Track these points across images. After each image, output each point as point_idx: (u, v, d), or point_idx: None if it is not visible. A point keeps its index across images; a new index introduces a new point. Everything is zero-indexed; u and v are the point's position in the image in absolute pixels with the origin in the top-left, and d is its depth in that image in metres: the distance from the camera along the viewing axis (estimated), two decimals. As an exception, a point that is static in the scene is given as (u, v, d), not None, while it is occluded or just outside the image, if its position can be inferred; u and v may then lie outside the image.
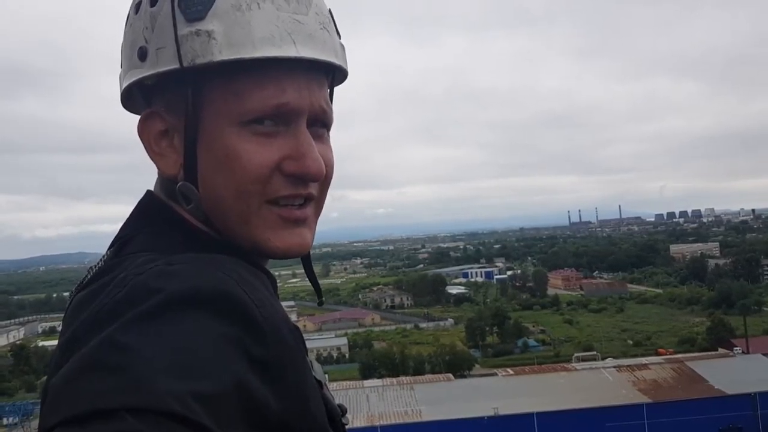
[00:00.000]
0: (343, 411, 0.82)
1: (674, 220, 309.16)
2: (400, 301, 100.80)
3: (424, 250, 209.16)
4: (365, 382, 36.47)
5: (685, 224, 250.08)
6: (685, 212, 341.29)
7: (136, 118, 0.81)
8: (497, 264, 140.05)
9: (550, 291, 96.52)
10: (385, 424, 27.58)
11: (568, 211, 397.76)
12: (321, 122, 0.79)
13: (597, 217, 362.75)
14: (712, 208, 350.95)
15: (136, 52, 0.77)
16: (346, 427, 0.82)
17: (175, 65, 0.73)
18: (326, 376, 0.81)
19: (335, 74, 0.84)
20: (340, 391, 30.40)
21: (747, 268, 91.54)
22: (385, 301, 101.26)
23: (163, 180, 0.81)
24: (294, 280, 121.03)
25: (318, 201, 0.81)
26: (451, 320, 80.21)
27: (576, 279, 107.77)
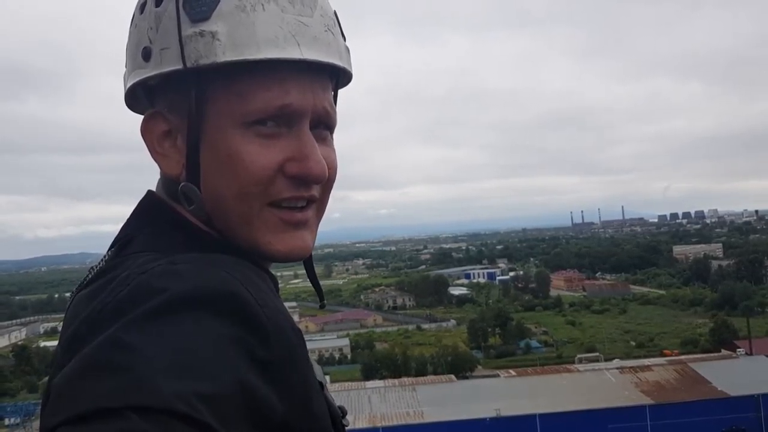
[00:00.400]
0: (344, 413, 0.82)
1: (677, 221, 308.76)
2: (402, 302, 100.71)
3: (426, 250, 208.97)
4: (367, 383, 36.38)
5: (688, 225, 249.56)
6: (688, 213, 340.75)
7: (139, 118, 0.81)
8: (500, 265, 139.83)
9: (553, 292, 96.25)
10: (387, 425, 27.48)
11: (571, 212, 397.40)
12: (324, 124, 0.79)
13: (600, 217, 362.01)
14: (715, 209, 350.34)
15: (141, 52, 0.77)
16: (346, 428, 0.82)
17: (179, 66, 0.73)
18: (327, 377, 0.77)
19: (340, 77, 0.83)
20: (341, 392, 30.33)
21: (750, 269, 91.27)
22: (387, 302, 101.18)
23: (166, 180, 0.80)
24: (296, 280, 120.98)
25: (320, 203, 0.81)
26: (453, 321, 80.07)
27: (578, 280, 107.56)
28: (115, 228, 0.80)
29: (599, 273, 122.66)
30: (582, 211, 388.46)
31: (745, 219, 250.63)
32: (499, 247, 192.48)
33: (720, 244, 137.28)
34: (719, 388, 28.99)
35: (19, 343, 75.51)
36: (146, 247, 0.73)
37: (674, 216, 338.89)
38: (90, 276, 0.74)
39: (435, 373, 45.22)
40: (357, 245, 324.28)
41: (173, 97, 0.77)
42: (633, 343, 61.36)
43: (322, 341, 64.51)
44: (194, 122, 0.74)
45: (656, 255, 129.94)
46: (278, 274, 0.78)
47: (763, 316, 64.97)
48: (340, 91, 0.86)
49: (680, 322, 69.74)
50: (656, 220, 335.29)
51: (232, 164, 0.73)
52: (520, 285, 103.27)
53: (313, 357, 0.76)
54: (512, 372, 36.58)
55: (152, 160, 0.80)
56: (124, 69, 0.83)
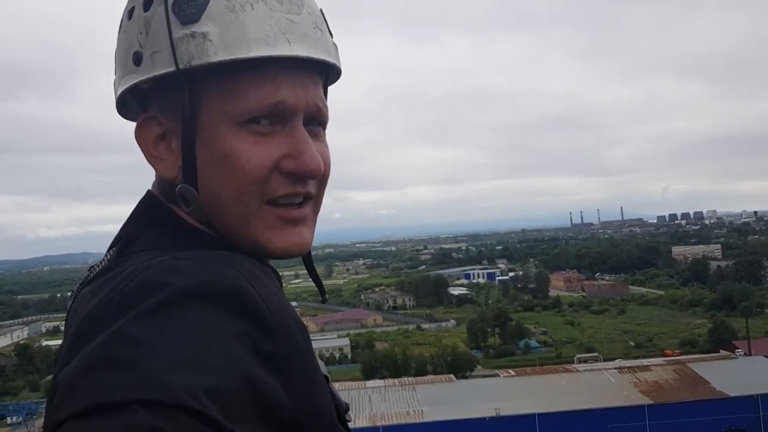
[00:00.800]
0: (346, 408, 0.83)
1: (676, 221, 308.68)
2: (402, 302, 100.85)
3: (426, 251, 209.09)
4: (367, 382, 36.49)
5: (687, 226, 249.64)
6: (687, 214, 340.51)
7: (134, 126, 0.81)
8: (499, 265, 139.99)
9: (552, 292, 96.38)
10: (387, 424, 27.64)
11: (570, 213, 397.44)
12: (317, 120, 0.79)
13: (599, 218, 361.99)
14: (714, 210, 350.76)
15: (131, 57, 0.77)
16: (349, 424, 0.82)
17: (172, 68, 0.73)
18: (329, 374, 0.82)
19: (329, 73, 0.84)
20: (342, 392, 30.01)
21: (749, 270, 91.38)
22: (387, 302, 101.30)
23: (162, 183, 0.81)
24: (297, 280, 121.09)
25: (316, 200, 0.81)
26: (453, 321, 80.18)
27: (578, 280, 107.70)
28: (117, 228, 0.81)
29: (598, 273, 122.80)
30: (581, 212, 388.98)
31: (743, 220, 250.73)
32: (498, 247, 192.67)
33: (719, 245, 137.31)
34: (718, 389, 29.14)
35: (21, 342, 75.57)
36: (148, 246, 0.73)
37: (673, 217, 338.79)
38: (92, 274, 0.74)
39: (435, 372, 45.34)
40: (357, 245, 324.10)
41: (166, 100, 0.77)
42: (632, 344, 61.50)
43: (323, 341, 64.58)
44: (188, 124, 0.74)
45: (655, 256, 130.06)
46: (278, 272, 0.80)
47: (761, 317, 65.14)
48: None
49: (679, 323, 69.86)
50: (655, 221, 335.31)
51: (228, 164, 0.73)
52: (519, 285, 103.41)
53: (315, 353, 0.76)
54: (511, 372, 36.71)
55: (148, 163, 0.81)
56: (114, 76, 0.83)
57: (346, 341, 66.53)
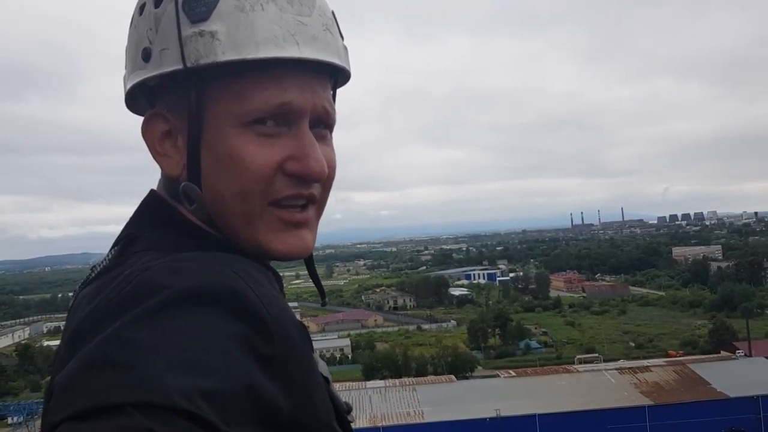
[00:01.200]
0: (349, 408, 0.82)
1: (677, 222, 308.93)
2: (402, 302, 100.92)
3: (426, 251, 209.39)
4: (368, 383, 36.55)
5: (688, 227, 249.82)
6: (688, 215, 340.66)
7: (140, 119, 0.82)
8: (500, 266, 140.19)
9: (553, 293, 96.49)
10: (387, 425, 27.68)
11: (571, 214, 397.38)
12: (324, 123, 0.79)
13: (599, 219, 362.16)
14: (715, 211, 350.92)
15: (140, 53, 0.77)
16: (351, 425, 0.82)
17: (179, 66, 0.73)
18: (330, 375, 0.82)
19: (338, 76, 0.84)
20: (342, 392, 29.99)
21: (749, 270, 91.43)
22: (388, 302, 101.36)
23: (167, 180, 0.81)
24: (297, 281, 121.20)
25: (320, 202, 0.81)
26: (453, 322, 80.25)
27: (578, 281, 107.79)
28: (119, 228, 0.81)
29: (599, 274, 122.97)
30: (582, 213, 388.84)
31: (744, 221, 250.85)
32: (499, 248, 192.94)
33: (719, 246, 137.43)
34: (719, 390, 29.13)
35: (23, 342, 75.65)
36: (150, 246, 0.73)
37: (674, 218, 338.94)
38: (93, 274, 0.74)
39: (435, 373, 45.35)
40: (358, 246, 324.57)
41: (173, 97, 0.77)
42: (632, 344, 61.55)
43: (323, 341, 64.59)
44: (194, 122, 0.74)
45: (656, 256, 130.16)
46: (279, 274, 0.81)
47: (762, 318, 65.12)
48: (339, 91, 0.87)
49: (679, 324, 69.89)
50: (656, 222, 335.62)
51: (232, 164, 0.73)
52: (520, 286, 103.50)
53: (315, 354, 0.77)
54: (512, 372, 36.74)
55: (153, 160, 0.81)
56: (124, 70, 0.83)
57: (346, 342, 66.57)
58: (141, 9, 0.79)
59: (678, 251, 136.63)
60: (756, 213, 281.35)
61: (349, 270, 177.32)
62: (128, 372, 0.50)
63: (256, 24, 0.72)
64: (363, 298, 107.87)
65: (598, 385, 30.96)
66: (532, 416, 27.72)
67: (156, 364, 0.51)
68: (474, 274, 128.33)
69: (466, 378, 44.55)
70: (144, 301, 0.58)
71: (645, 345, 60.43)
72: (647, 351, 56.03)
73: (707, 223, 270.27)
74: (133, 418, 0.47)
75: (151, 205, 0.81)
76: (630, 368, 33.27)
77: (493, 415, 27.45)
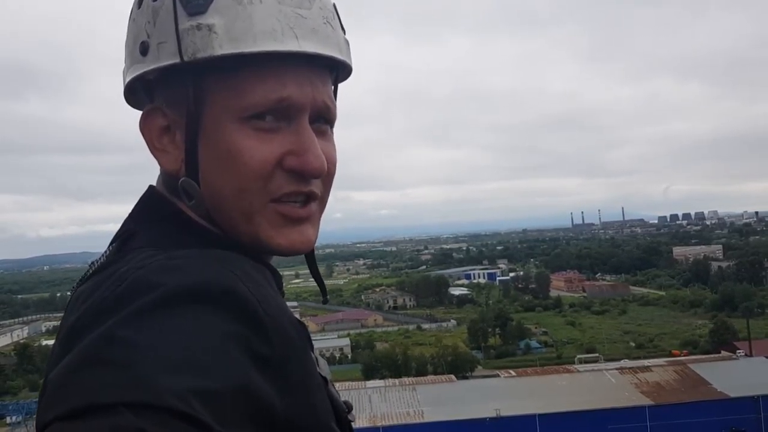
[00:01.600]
0: (349, 408, 0.81)
1: (677, 222, 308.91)
2: (402, 302, 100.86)
3: (427, 251, 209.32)
4: (368, 382, 36.43)
5: (688, 226, 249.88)
6: (688, 215, 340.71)
7: (138, 116, 0.81)
8: (500, 265, 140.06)
9: (553, 293, 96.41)
10: (387, 424, 27.60)
11: (571, 213, 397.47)
12: (324, 118, 0.78)
13: (600, 219, 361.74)
14: (715, 211, 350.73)
15: (138, 46, 0.76)
16: (352, 424, 0.81)
17: (176, 60, 0.72)
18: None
19: (339, 70, 0.82)
20: (342, 392, 29.14)
21: (750, 270, 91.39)
22: (388, 302, 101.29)
23: (165, 176, 0.80)
24: (297, 280, 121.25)
25: (321, 198, 0.80)
26: (453, 321, 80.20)
27: (578, 281, 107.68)
28: (117, 227, 0.80)
29: (599, 274, 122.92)
30: (582, 212, 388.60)
31: (745, 220, 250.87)
32: (499, 247, 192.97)
33: (720, 246, 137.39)
34: (719, 390, 29.05)
35: (21, 341, 75.69)
36: (147, 243, 0.72)
37: (674, 217, 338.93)
38: (90, 271, 0.73)
39: (435, 373, 45.29)
40: (358, 245, 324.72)
41: (171, 91, 0.76)
42: (633, 344, 61.49)
43: (323, 341, 64.55)
44: (192, 117, 0.74)
45: (656, 256, 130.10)
46: (279, 272, 0.80)
47: (763, 318, 65.14)
48: (341, 86, 0.85)
49: (680, 323, 69.87)
50: (656, 222, 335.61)
51: (231, 159, 0.72)
52: (520, 285, 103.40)
53: (316, 353, 0.76)
54: (512, 372, 36.65)
55: (151, 156, 0.80)
56: (123, 64, 0.82)
57: (346, 341, 66.56)
58: (140, 2, 0.78)
59: (678, 251, 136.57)
60: (756, 213, 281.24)
61: (348, 269, 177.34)
62: (121, 371, 0.50)
63: (254, 17, 0.71)
64: (363, 297, 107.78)
65: (599, 385, 30.87)
66: (532, 416, 27.64)
67: (149, 364, 0.50)
68: (474, 274, 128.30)
69: (466, 378, 44.47)
70: (138, 299, 0.57)
71: (645, 345, 60.39)
72: (648, 351, 55.97)
73: (708, 222, 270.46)
74: (125, 417, 0.46)
75: (149, 201, 0.80)
76: (630, 368, 33.19)
77: (493, 415, 27.38)
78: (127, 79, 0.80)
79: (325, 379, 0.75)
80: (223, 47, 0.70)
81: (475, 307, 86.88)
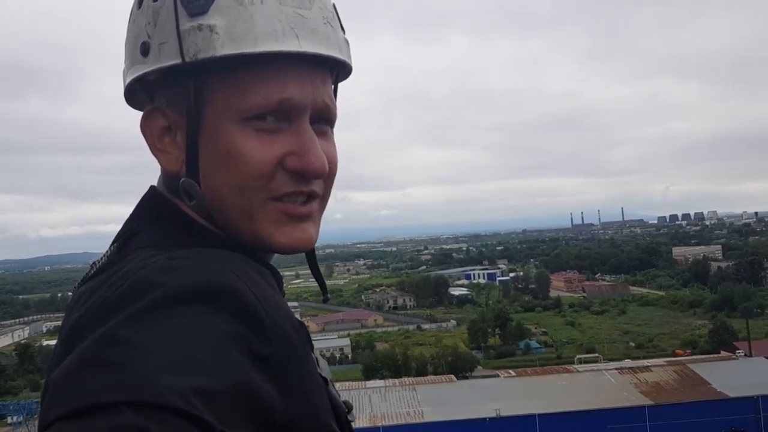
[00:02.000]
0: (349, 408, 0.81)
1: (677, 222, 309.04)
2: (402, 302, 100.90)
3: (426, 251, 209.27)
4: (368, 382, 36.52)
5: (688, 227, 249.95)
6: (688, 215, 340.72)
7: (139, 116, 0.81)
8: (500, 266, 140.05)
9: (553, 293, 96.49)
10: (387, 424, 27.65)
11: (571, 213, 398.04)
12: (324, 119, 0.78)
13: (599, 219, 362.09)
14: (715, 211, 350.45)
15: (139, 47, 0.76)
16: (352, 424, 0.81)
17: (177, 60, 0.72)
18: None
19: (339, 70, 0.82)
20: (342, 392, 29.12)
21: (749, 270, 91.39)
22: (388, 302, 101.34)
23: (166, 176, 0.80)
24: (297, 281, 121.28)
25: (322, 197, 0.80)
26: (453, 322, 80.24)
27: (578, 281, 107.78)
28: (119, 228, 0.81)
29: (599, 274, 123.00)
30: (582, 213, 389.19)
31: (744, 221, 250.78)
32: (499, 248, 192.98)
33: (719, 246, 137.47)
34: (719, 390, 29.11)
35: (22, 341, 75.67)
36: (148, 243, 0.72)
37: (674, 217, 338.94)
38: (92, 271, 0.74)
39: (435, 373, 45.34)
40: (358, 246, 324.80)
41: (172, 92, 0.76)
42: (632, 344, 61.57)
43: (323, 341, 64.57)
44: (193, 117, 0.74)
45: (656, 256, 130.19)
46: (279, 272, 0.81)
47: (762, 318, 65.19)
48: (341, 86, 0.85)
49: (679, 324, 69.89)
50: (656, 222, 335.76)
51: (231, 160, 0.72)
52: (520, 286, 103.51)
53: (316, 353, 0.77)
54: (512, 372, 36.72)
55: (152, 156, 0.80)
56: (123, 65, 0.82)
57: (346, 341, 66.61)
58: (140, 2, 0.78)
59: (678, 251, 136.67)
60: (756, 213, 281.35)
61: (349, 270, 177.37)
62: (122, 370, 0.50)
63: (255, 17, 0.71)
64: (363, 297, 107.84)
65: (598, 385, 30.94)
66: (532, 416, 27.70)
67: (150, 363, 0.51)
68: (474, 274, 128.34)
69: (466, 378, 44.54)
70: (139, 299, 0.57)
71: (645, 345, 60.45)
72: (647, 351, 56.04)
73: (707, 223, 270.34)
74: (127, 416, 0.47)
75: (151, 201, 0.80)
76: (630, 368, 33.26)
77: (493, 415, 27.44)
78: (128, 80, 0.80)
79: (325, 379, 0.75)
80: (224, 48, 0.70)
81: (475, 308, 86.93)
